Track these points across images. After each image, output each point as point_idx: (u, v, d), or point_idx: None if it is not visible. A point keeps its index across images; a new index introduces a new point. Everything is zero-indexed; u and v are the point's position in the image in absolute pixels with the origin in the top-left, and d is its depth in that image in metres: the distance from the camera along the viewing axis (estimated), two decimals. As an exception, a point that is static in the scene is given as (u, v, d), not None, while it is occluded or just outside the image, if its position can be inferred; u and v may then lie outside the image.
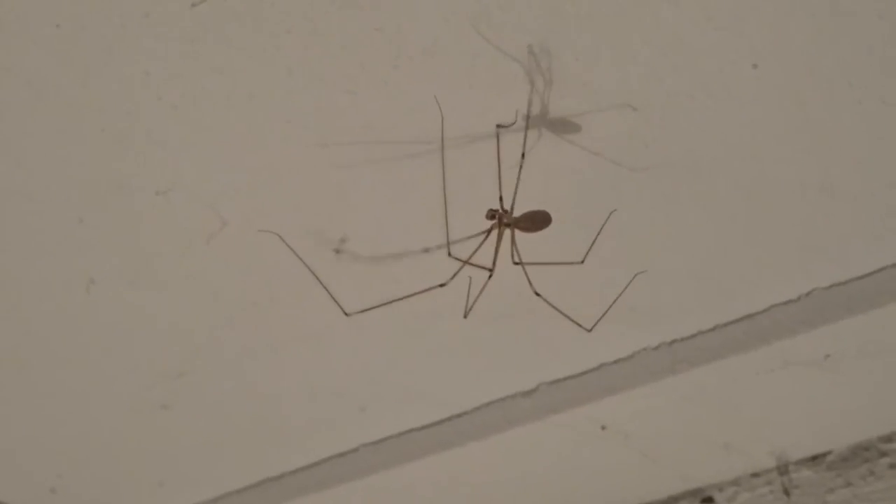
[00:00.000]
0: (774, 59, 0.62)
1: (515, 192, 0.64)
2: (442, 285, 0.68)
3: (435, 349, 0.85)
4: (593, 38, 0.61)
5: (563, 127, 0.65)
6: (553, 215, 0.66)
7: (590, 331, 0.71)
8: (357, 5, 0.59)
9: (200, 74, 0.63)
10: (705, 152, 0.68)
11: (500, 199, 0.65)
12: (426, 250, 0.74)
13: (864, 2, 0.59)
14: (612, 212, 0.69)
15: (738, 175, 0.70)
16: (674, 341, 0.82)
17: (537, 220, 0.65)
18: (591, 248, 0.68)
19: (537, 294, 0.68)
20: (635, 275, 0.72)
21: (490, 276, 0.68)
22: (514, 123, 0.64)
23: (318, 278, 0.71)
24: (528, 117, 0.64)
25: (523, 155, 0.64)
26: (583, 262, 0.69)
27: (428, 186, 0.69)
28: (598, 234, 0.68)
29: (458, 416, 0.90)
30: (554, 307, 0.69)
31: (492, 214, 0.65)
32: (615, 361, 0.84)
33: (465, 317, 0.70)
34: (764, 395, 0.85)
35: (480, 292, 0.69)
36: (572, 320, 0.70)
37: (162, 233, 0.73)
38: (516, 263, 0.67)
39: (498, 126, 0.64)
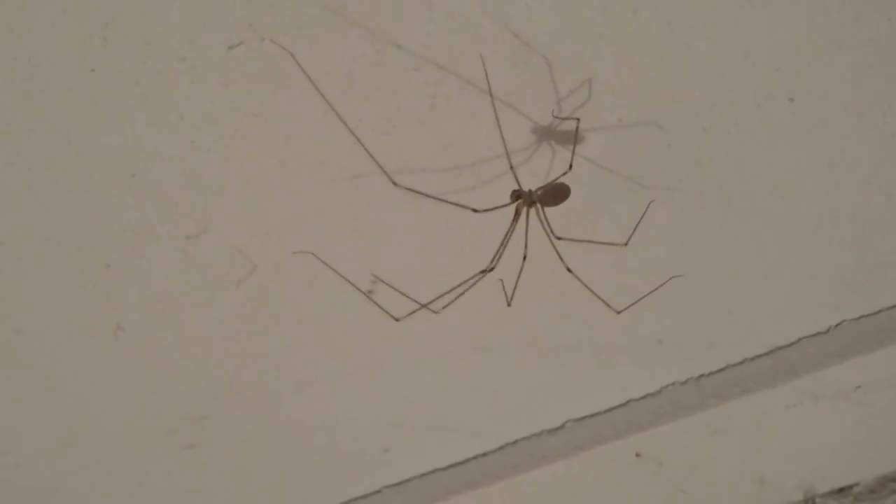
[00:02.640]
0: (810, 93, 0.63)
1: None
2: (485, 271, 0.68)
3: (459, 387, 0.84)
4: (630, 74, 0.61)
5: (600, 157, 0.65)
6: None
7: (619, 313, 0.70)
8: (395, 45, 0.59)
9: (235, 118, 0.63)
10: (737, 185, 0.68)
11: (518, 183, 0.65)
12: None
13: (900, 36, 0.59)
14: (650, 202, 0.68)
15: (768, 207, 0.70)
16: (701, 376, 0.82)
17: (559, 193, 0.64)
18: (634, 231, 0.68)
19: (569, 270, 0.68)
20: (671, 277, 0.72)
21: (524, 259, 0.67)
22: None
23: (360, 290, 0.70)
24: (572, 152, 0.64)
25: (571, 166, 0.64)
26: (626, 244, 0.68)
27: (460, 222, 0.69)
28: (640, 221, 0.68)
29: (484, 455, 0.89)
30: (585, 285, 0.68)
31: (516, 195, 0.65)
32: (643, 397, 0.84)
33: (508, 305, 0.69)
34: (793, 428, 0.85)
35: (519, 277, 0.68)
36: (602, 300, 0.69)
37: (190, 277, 0.72)
38: (558, 238, 0.67)
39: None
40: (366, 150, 0.63)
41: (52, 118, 0.62)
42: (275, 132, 0.64)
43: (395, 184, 0.64)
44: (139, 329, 0.75)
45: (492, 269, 0.68)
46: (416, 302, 0.70)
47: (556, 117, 0.63)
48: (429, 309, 0.70)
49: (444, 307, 0.71)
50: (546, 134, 0.64)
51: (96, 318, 0.74)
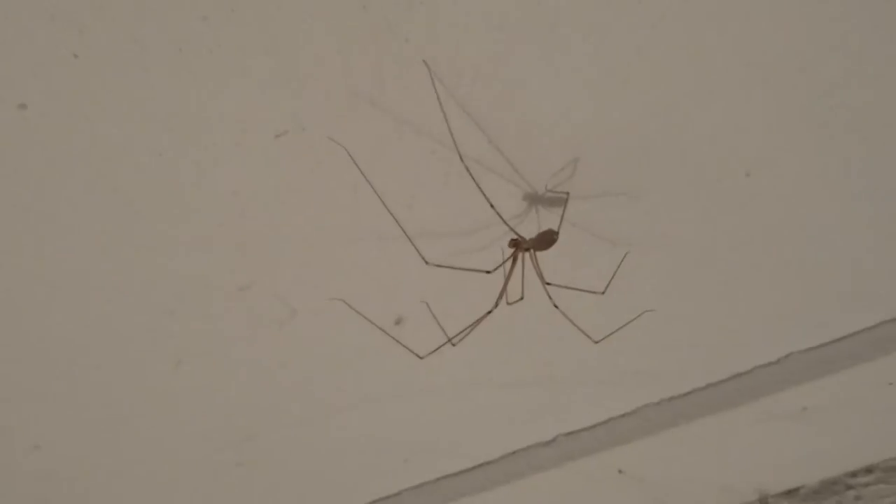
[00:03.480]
0: (765, 168, 0.62)
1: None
2: (491, 311, 0.67)
3: (467, 408, 0.83)
4: (611, 155, 0.61)
5: (585, 221, 0.65)
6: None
7: (596, 343, 0.70)
8: (415, 131, 0.59)
9: (280, 193, 0.63)
10: (702, 243, 0.68)
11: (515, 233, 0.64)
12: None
13: (843, 121, 0.59)
14: (625, 254, 0.68)
15: (728, 260, 0.70)
16: (672, 398, 0.81)
17: (548, 239, 0.64)
18: (610, 281, 0.67)
19: (556, 307, 0.67)
20: (644, 311, 0.71)
21: (521, 299, 0.67)
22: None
23: (386, 332, 0.70)
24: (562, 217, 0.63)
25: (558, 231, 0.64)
26: (604, 292, 0.68)
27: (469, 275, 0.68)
28: (616, 271, 0.67)
29: (487, 463, 0.89)
30: (569, 319, 0.68)
31: (513, 243, 0.64)
32: (622, 415, 0.83)
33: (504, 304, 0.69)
34: (750, 442, 0.84)
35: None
36: (583, 332, 0.69)
37: (241, 321, 0.71)
38: (547, 284, 0.66)
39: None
40: (400, 226, 0.63)
41: (127, 191, 0.62)
42: (313, 202, 0.64)
43: (426, 262, 0.64)
44: (196, 363, 0.75)
45: (495, 307, 0.67)
46: (443, 333, 0.71)
47: (549, 190, 0.62)
48: (451, 342, 0.70)
49: (460, 340, 0.70)
50: (537, 200, 0.64)
51: (160, 354, 0.74)
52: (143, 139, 0.59)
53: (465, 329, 0.69)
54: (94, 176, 0.60)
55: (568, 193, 0.62)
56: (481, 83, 0.57)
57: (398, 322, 0.73)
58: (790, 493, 0.91)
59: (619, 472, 0.86)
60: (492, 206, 0.62)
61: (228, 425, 0.81)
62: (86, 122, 0.57)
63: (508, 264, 0.65)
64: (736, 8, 0.54)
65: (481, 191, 0.61)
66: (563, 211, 0.63)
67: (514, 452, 0.87)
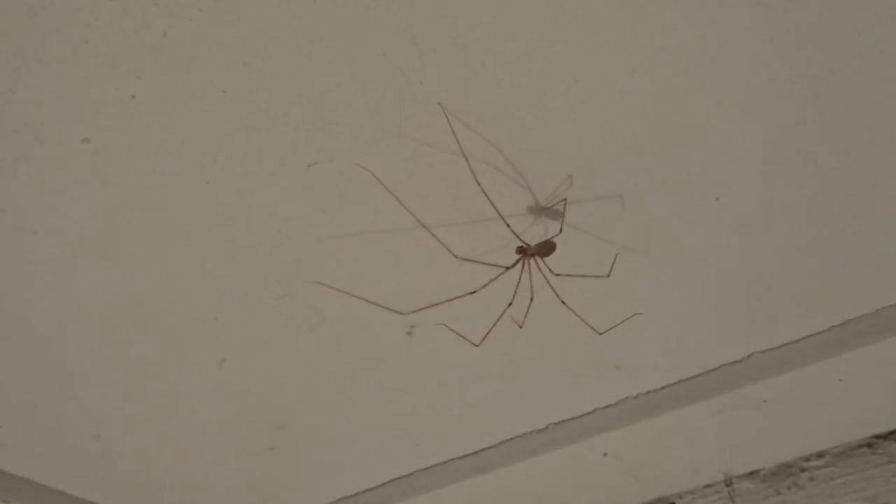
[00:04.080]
0: (733, 194, 0.62)
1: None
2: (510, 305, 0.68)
3: (472, 399, 0.83)
4: (602, 167, 0.61)
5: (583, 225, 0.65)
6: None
7: (601, 334, 0.69)
8: (429, 160, 0.59)
9: (310, 213, 0.62)
10: (679, 255, 0.68)
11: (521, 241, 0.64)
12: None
13: (814, 148, 0.59)
14: (616, 254, 0.67)
15: (701, 271, 0.69)
16: (649, 391, 0.81)
17: (549, 247, 0.64)
18: (613, 263, 0.66)
19: (563, 303, 0.67)
20: (633, 314, 0.71)
21: (531, 300, 0.67)
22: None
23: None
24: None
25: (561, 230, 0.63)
26: (608, 275, 0.67)
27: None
28: (615, 260, 0.66)
29: (488, 448, 0.88)
30: (575, 313, 0.67)
31: (520, 250, 0.64)
32: (605, 407, 0.83)
33: (520, 327, 0.70)
34: (717, 430, 0.84)
35: (527, 311, 0.69)
36: (588, 324, 0.68)
37: (276, 326, 0.71)
38: (557, 275, 0.66)
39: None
40: (427, 229, 0.62)
41: (178, 215, 0.61)
42: (341, 223, 0.63)
43: (455, 256, 0.64)
44: (237, 362, 0.74)
45: (510, 304, 0.68)
46: (463, 338, 0.70)
47: (547, 205, 0.62)
48: (471, 343, 0.69)
49: (482, 340, 0.70)
50: (539, 212, 0.64)
51: (206, 353, 0.73)
52: (191, 170, 0.58)
53: (490, 328, 0.69)
54: (149, 202, 0.60)
55: (566, 200, 0.62)
56: (487, 120, 0.57)
57: (412, 327, 0.73)
58: (752, 474, 0.90)
59: (604, 454, 0.86)
60: (507, 223, 0.62)
61: (263, 415, 0.81)
62: (142, 154, 0.57)
63: (517, 267, 0.65)
64: (713, 47, 0.54)
65: (495, 209, 0.60)
66: (563, 218, 0.63)
67: (511, 438, 0.87)
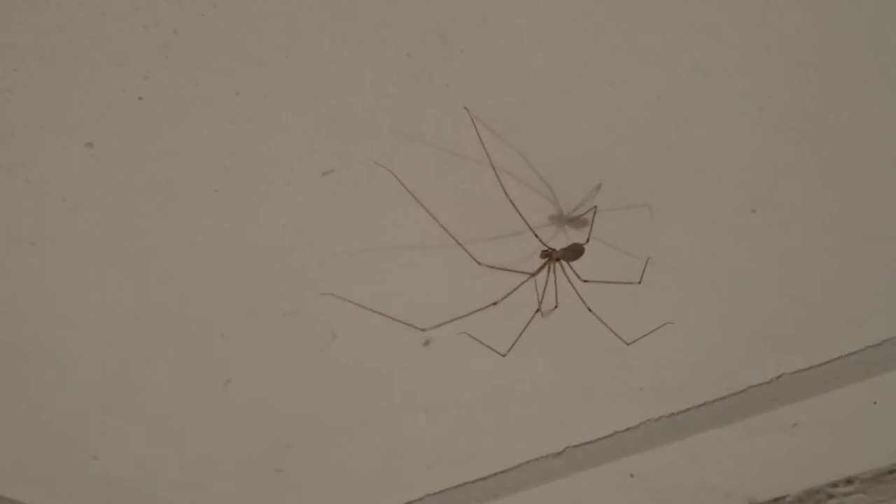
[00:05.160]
0: (771, 206, 0.59)
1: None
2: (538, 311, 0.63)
3: (485, 421, 0.79)
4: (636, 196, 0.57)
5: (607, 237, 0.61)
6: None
7: (629, 344, 0.64)
8: (451, 167, 0.55)
9: (324, 227, 0.59)
10: (709, 269, 0.64)
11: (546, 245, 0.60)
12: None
13: (842, 167, 0.55)
14: (647, 259, 0.62)
15: (730, 287, 0.66)
16: (672, 414, 0.77)
17: (576, 251, 0.60)
18: (644, 269, 0.62)
19: (590, 310, 0.62)
20: (665, 323, 0.66)
21: (556, 307, 0.63)
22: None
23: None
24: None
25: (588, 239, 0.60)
26: (640, 282, 0.62)
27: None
28: (646, 265, 0.62)
29: (503, 472, 0.84)
30: (603, 322, 0.62)
31: (545, 254, 0.60)
32: (626, 429, 0.79)
33: (542, 315, 0.64)
34: (741, 454, 0.80)
35: (549, 313, 0.64)
36: (615, 333, 0.63)
37: (286, 343, 0.67)
38: (584, 281, 0.61)
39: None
40: (452, 236, 0.58)
41: (186, 224, 0.58)
42: (357, 235, 0.60)
43: (479, 263, 0.60)
44: (243, 381, 0.70)
45: (539, 310, 0.63)
46: (489, 347, 0.66)
47: (575, 214, 0.58)
48: (497, 353, 0.65)
49: (508, 350, 0.65)
50: (565, 220, 0.60)
51: (211, 373, 0.69)
52: (200, 177, 0.55)
53: (517, 337, 0.64)
54: (155, 210, 0.56)
55: (595, 207, 0.58)
56: (513, 125, 0.53)
57: (426, 344, 0.69)
58: (776, 500, 0.86)
59: (631, 476, 0.82)
60: (534, 232, 0.58)
61: (270, 435, 0.77)
62: (148, 160, 0.54)
63: (543, 272, 0.61)
64: (750, 56, 0.50)
65: (522, 217, 0.56)
66: (591, 227, 0.59)
67: (526, 462, 0.83)
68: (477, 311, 0.62)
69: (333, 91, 0.51)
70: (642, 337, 0.64)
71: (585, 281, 0.61)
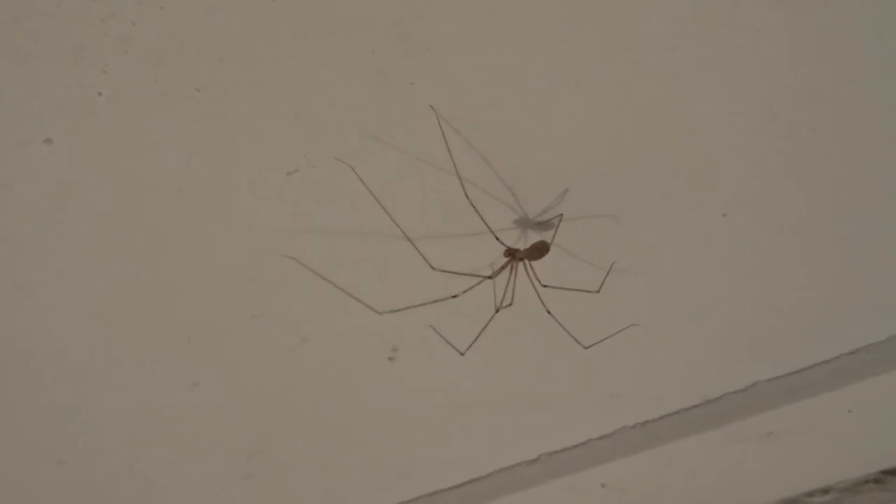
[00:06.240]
0: (742, 210, 0.57)
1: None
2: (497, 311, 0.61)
3: (458, 429, 0.77)
4: (604, 192, 0.56)
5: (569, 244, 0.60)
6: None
7: (586, 348, 0.63)
8: (418, 168, 0.54)
9: (290, 226, 0.57)
10: (679, 276, 0.63)
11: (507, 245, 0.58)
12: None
13: (813, 168, 0.54)
14: (611, 265, 0.61)
15: (701, 294, 0.65)
16: (647, 421, 0.76)
17: (541, 249, 0.58)
18: (604, 280, 0.60)
19: (549, 312, 0.61)
20: (630, 325, 0.65)
21: (510, 304, 0.61)
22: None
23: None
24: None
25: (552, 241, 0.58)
26: (598, 291, 0.61)
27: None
28: (608, 273, 0.60)
29: (476, 479, 0.82)
30: (561, 325, 0.61)
31: (509, 252, 0.58)
32: (600, 437, 0.77)
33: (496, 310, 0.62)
34: (717, 462, 0.78)
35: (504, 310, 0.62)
36: (573, 337, 0.62)
37: (253, 347, 0.66)
38: (544, 286, 0.60)
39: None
40: (409, 238, 0.57)
41: (147, 224, 0.56)
42: (321, 236, 0.58)
43: (433, 267, 0.58)
44: (210, 385, 0.68)
45: (497, 310, 0.62)
46: (450, 344, 0.65)
47: (541, 218, 0.57)
48: (458, 351, 0.64)
49: (468, 348, 0.64)
50: (531, 225, 0.59)
51: (177, 376, 0.67)
52: (162, 175, 0.53)
53: (476, 337, 0.63)
54: (116, 210, 0.55)
55: (561, 215, 0.57)
56: (480, 125, 0.52)
57: (394, 350, 0.67)
58: (752, 509, 0.85)
59: (602, 486, 0.80)
60: (496, 236, 0.56)
61: (238, 441, 0.75)
62: (110, 157, 0.52)
63: (505, 272, 0.59)
64: (721, 57, 0.49)
65: (484, 221, 0.55)
66: (555, 232, 0.58)
67: (500, 469, 0.81)
68: (436, 301, 0.60)
69: (296, 88, 0.49)
70: (602, 340, 0.63)
71: (545, 286, 0.60)
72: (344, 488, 0.83)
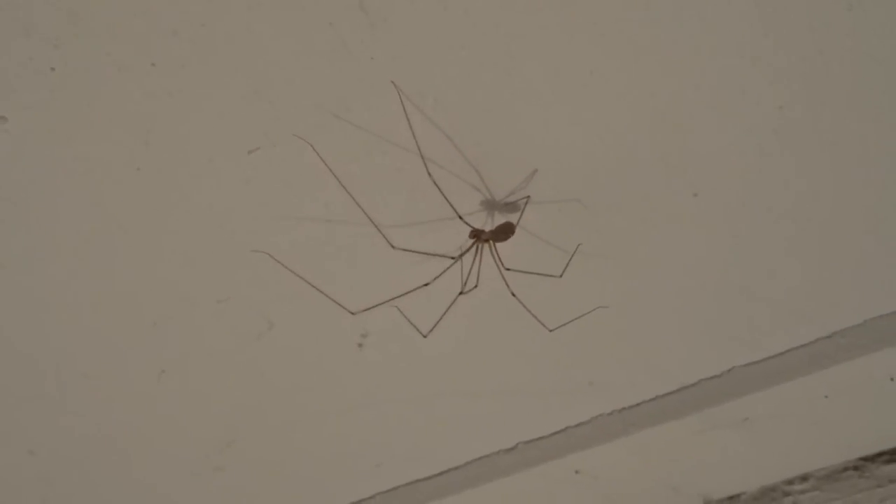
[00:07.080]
0: (713, 190, 0.56)
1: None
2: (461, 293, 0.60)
3: (435, 418, 0.76)
4: (574, 173, 0.55)
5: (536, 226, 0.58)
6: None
7: (551, 331, 0.61)
8: (380, 145, 0.52)
9: (253, 206, 0.56)
10: (653, 261, 0.62)
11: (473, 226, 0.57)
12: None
13: (783, 146, 0.53)
14: (578, 245, 0.59)
15: (674, 276, 0.63)
16: (623, 408, 0.74)
17: (506, 230, 0.57)
18: (567, 264, 0.59)
19: (513, 295, 0.59)
20: (597, 307, 0.63)
21: (475, 287, 0.59)
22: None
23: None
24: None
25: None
26: (561, 276, 0.59)
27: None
28: (571, 257, 0.59)
29: (454, 469, 0.80)
30: (526, 307, 0.60)
31: (475, 233, 0.57)
32: (577, 425, 0.76)
33: (461, 292, 0.61)
34: (695, 449, 0.77)
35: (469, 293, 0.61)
36: (538, 320, 0.60)
37: (221, 333, 0.64)
38: (507, 270, 0.59)
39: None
40: (369, 217, 0.55)
41: (107, 205, 0.55)
42: (284, 217, 0.57)
43: (393, 246, 0.57)
44: (178, 373, 0.67)
45: (461, 292, 0.60)
46: (414, 326, 0.63)
47: (507, 200, 0.56)
48: (421, 333, 0.63)
49: (430, 330, 0.63)
50: (497, 206, 0.57)
51: (145, 364, 0.66)
52: (120, 153, 0.52)
53: (439, 319, 0.62)
54: (75, 189, 0.53)
55: (528, 197, 0.56)
56: (443, 102, 0.51)
57: (364, 336, 0.66)
58: (732, 498, 0.83)
59: (576, 472, 0.79)
60: (459, 216, 0.55)
61: (209, 432, 0.73)
62: (65, 135, 0.51)
63: (469, 254, 0.58)
64: (688, 35, 0.48)
65: (448, 201, 0.54)
66: (521, 214, 0.56)
67: (478, 458, 0.79)
68: (408, 292, 0.59)
69: (253, 62, 0.48)
70: (567, 323, 0.62)
71: (508, 269, 0.58)
72: (319, 479, 0.81)
